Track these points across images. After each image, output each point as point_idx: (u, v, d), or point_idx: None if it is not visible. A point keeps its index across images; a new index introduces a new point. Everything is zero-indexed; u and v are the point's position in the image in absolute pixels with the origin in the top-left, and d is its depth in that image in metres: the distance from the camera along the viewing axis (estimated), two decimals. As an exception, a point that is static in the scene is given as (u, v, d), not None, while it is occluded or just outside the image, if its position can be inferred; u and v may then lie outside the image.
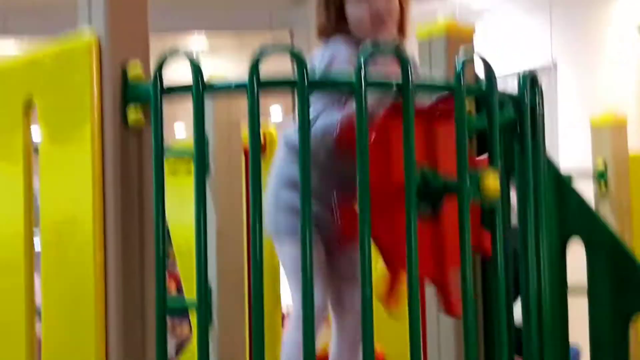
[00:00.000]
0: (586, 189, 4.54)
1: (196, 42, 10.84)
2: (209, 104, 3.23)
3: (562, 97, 9.25)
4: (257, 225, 2.19)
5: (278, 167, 2.68)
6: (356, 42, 2.64)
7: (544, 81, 9.47)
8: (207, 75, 3.27)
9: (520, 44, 9.61)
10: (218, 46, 11.01)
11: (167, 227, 3.68)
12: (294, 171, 2.46)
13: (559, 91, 9.26)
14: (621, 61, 8.91)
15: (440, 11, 9.55)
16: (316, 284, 2.56)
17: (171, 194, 3.56)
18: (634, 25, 8.91)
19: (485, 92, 2.38)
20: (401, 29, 2.73)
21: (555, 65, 9.32)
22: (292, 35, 9.53)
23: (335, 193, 2.55)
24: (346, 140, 2.40)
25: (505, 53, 9.49)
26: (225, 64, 10.35)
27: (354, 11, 2.66)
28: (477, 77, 2.80)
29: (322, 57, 2.63)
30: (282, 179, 2.66)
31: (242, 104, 2.59)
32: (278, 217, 2.65)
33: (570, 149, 8.48)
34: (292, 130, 2.64)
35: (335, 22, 2.67)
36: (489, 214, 2.37)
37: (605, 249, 2.74)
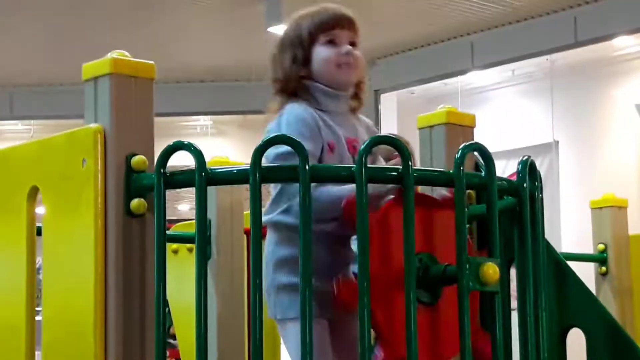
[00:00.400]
0: (588, 270, 4.57)
1: (202, 122, 10.95)
2: (211, 188, 3.27)
3: (563, 176, 9.30)
4: (257, 308, 2.21)
5: (268, 250, 2.70)
6: (316, 104, 2.70)
7: (545, 160, 9.52)
8: (211, 156, 3.32)
9: (522, 123, 9.69)
10: (223, 126, 11.12)
11: (168, 306, 3.72)
12: (285, 251, 2.50)
13: (560, 170, 9.30)
14: (622, 140, 8.97)
15: (444, 93, 9.65)
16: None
17: (172, 272, 3.59)
18: (634, 104, 8.99)
19: (484, 181, 2.40)
20: (358, 95, 2.80)
21: (557, 144, 9.38)
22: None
23: (333, 267, 2.55)
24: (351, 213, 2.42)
25: (508, 132, 9.57)
26: (230, 143, 10.44)
27: (321, 54, 2.72)
28: (477, 165, 2.84)
29: (289, 124, 2.65)
30: (275, 261, 2.67)
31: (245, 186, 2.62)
32: (277, 299, 2.66)
33: (572, 229, 8.50)
34: (268, 210, 2.68)
35: (299, 70, 2.72)
36: (488, 307, 2.37)
37: (605, 338, 2.74)
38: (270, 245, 2.71)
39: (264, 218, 2.71)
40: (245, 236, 3.33)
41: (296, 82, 2.73)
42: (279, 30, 8.67)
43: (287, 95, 2.75)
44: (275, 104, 2.79)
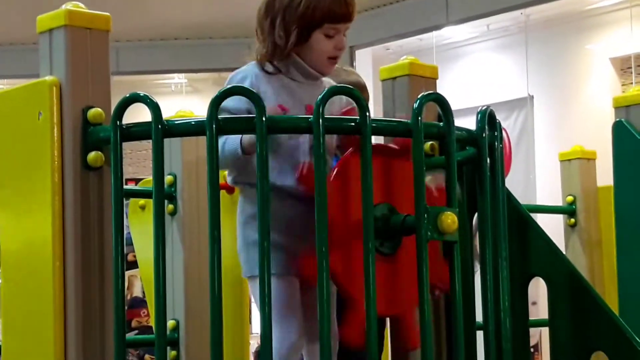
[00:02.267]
0: (558, 222, 4.59)
1: (176, 80, 10.90)
2: (176, 142, 3.26)
3: (538, 130, 9.31)
4: (216, 261, 2.22)
5: (239, 209, 2.70)
6: (285, 71, 2.69)
7: (521, 114, 9.51)
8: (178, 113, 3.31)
9: (497, 78, 9.68)
10: (198, 84, 11.07)
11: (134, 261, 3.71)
12: (252, 208, 2.50)
13: (535, 124, 9.32)
14: (597, 94, 8.99)
15: (420, 48, 9.62)
16: (291, 320, 2.58)
17: (139, 228, 3.60)
18: (608, 58, 8.99)
19: (443, 130, 2.40)
20: None
21: (532, 98, 9.39)
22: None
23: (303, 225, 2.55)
24: (307, 181, 2.43)
25: (483, 87, 9.56)
26: (205, 101, 10.39)
27: (319, 45, 2.69)
28: (439, 116, 2.83)
29: (229, 81, 2.67)
30: (245, 218, 2.67)
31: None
32: (249, 257, 2.66)
33: (547, 182, 8.53)
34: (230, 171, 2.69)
35: (292, 47, 2.67)
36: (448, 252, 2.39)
37: (566, 286, 2.76)
38: (240, 205, 2.72)
39: (229, 178, 2.71)
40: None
41: (281, 56, 2.70)
42: (252, -14, 8.64)
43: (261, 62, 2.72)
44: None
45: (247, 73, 2.69)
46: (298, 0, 2.67)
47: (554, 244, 2.82)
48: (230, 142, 2.54)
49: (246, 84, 2.61)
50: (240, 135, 2.51)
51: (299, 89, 2.69)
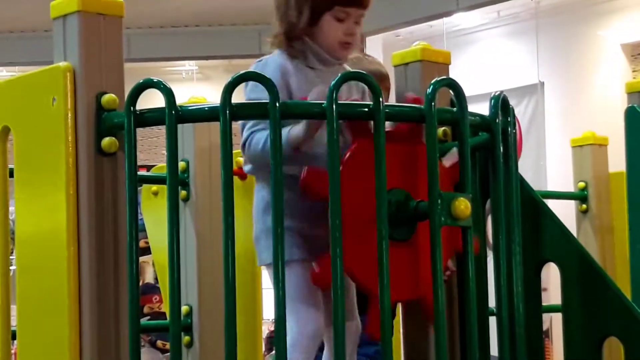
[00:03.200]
0: (570, 208, 4.59)
1: (187, 68, 10.90)
2: (188, 128, 3.26)
3: (549, 117, 9.30)
4: (230, 247, 2.22)
5: (257, 197, 2.70)
6: (303, 59, 2.68)
7: (531, 101, 9.52)
8: (190, 99, 3.31)
9: (508, 65, 9.67)
10: (208, 71, 11.07)
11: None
12: (268, 195, 2.49)
13: (546, 111, 9.30)
14: (607, 80, 8.96)
15: (430, 35, 9.60)
16: (310, 309, 2.58)
17: (152, 214, 3.61)
18: (619, 44, 8.97)
19: (456, 116, 2.40)
20: None
21: (542, 84, 9.37)
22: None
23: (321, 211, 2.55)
24: (312, 189, 2.44)
25: (494, 73, 9.55)
26: (216, 88, 10.41)
27: (330, 28, 2.68)
28: (452, 101, 2.83)
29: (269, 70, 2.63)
30: (264, 205, 2.66)
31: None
32: (267, 243, 2.64)
33: (558, 168, 8.52)
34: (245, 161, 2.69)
35: (305, 27, 2.67)
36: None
37: (579, 272, 2.76)
38: (258, 192, 2.71)
39: (246, 167, 2.71)
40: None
41: (295, 39, 2.70)
42: (262, -27, 8.63)
43: (278, 46, 2.73)
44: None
45: (273, 67, 2.66)
46: None
47: (567, 229, 2.83)
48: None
49: (277, 75, 2.60)
50: (287, 129, 2.48)
51: (317, 79, 2.67)
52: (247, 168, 2.72)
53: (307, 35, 2.69)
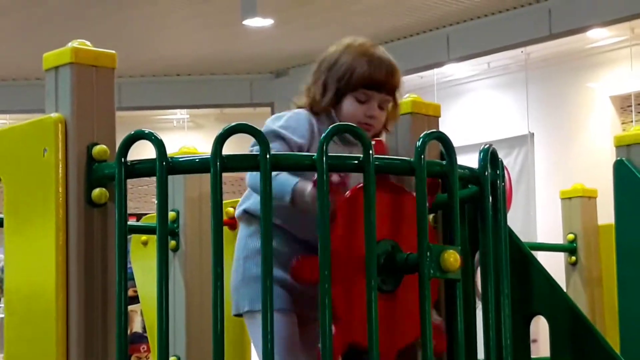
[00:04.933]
0: (559, 260, 4.60)
1: (178, 116, 10.94)
2: (179, 178, 3.28)
3: (539, 168, 9.33)
4: (218, 298, 2.22)
5: (239, 245, 2.71)
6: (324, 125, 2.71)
7: (521, 152, 9.55)
8: (181, 149, 3.32)
9: (498, 115, 9.72)
10: (200, 120, 11.11)
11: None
12: (259, 242, 2.48)
13: (536, 162, 9.34)
14: (597, 132, 9.02)
15: (421, 85, 9.66)
16: (296, 357, 2.58)
17: (141, 264, 3.61)
18: (608, 96, 9.03)
19: (445, 169, 2.41)
20: (385, 126, 2.85)
21: (532, 135, 9.42)
22: (272, 109, 9.63)
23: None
24: (302, 277, 2.45)
25: (484, 124, 9.60)
26: (207, 137, 10.44)
27: (350, 108, 2.76)
28: (442, 154, 2.85)
29: (287, 117, 2.72)
30: (248, 252, 2.68)
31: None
32: (247, 291, 2.67)
33: (547, 220, 8.55)
34: (243, 202, 2.71)
35: (327, 104, 2.76)
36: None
37: (567, 325, 2.76)
38: (242, 240, 2.73)
39: (238, 210, 2.73)
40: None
41: (319, 110, 2.77)
42: (254, 22, 8.71)
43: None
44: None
45: (304, 115, 2.74)
46: (341, 62, 2.77)
47: (555, 282, 2.83)
48: (279, 184, 2.55)
49: (307, 124, 2.68)
50: (294, 181, 2.54)
51: (336, 148, 2.70)
52: (239, 210, 2.72)
53: (332, 109, 2.77)
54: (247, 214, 2.73)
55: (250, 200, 2.72)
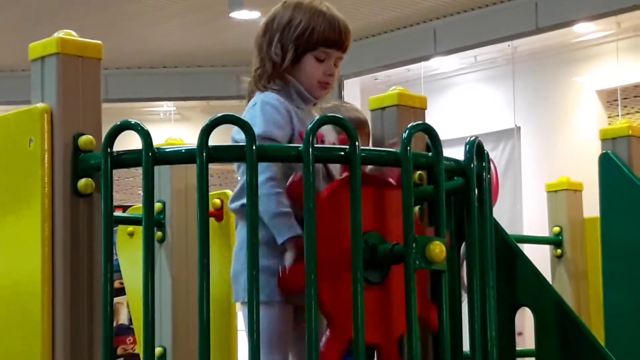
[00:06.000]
0: (545, 253, 4.61)
1: (165, 108, 10.91)
2: (165, 169, 3.27)
3: (525, 161, 9.36)
4: (205, 289, 2.22)
5: (240, 235, 2.71)
6: (287, 97, 2.72)
7: (508, 145, 9.57)
8: (167, 141, 3.31)
9: (485, 109, 9.74)
10: (186, 112, 11.09)
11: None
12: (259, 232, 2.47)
13: (522, 156, 9.36)
14: (583, 126, 9.04)
15: (407, 79, 9.67)
16: (282, 348, 2.58)
17: (128, 256, 3.60)
18: (595, 90, 9.06)
19: (431, 160, 2.41)
20: None
21: (518, 129, 9.44)
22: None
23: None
24: (291, 286, 2.45)
25: (470, 118, 9.62)
26: (193, 129, 10.42)
27: (310, 67, 2.74)
28: (428, 146, 2.85)
29: (262, 111, 2.69)
30: (245, 243, 2.66)
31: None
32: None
33: (534, 213, 8.56)
34: (237, 196, 2.69)
35: (288, 67, 2.73)
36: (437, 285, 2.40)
37: (553, 317, 2.77)
38: (241, 231, 2.72)
39: (233, 205, 2.72)
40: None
41: (278, 78, 2.75)
42: (240, 15, 8.70)
43: (262, 84, 2.76)
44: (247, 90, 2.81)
45: (276, 103, 2.71)
46: (297, 20, 2.74)
47: (541, 274, 2.84)
48: (284, 223, 2.56)
49: (279, 117, 2.64)
50: (293, 231, 2.54)
51: (303, 115, 2.73)
52: (236, 204, 2.71)
53: (289, 74, 2.74)
54: (244, 207, 2.70)
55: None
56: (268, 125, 2.64)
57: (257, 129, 2.59)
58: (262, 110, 2.69)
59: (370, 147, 2.94)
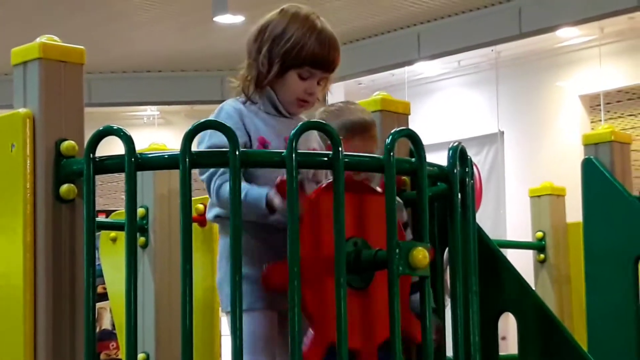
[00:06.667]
0: (527, 258, 4.63)
1: (149, 113, 10.90)
2: (148, 175, 3.27)
3: (509, 166, 9.38)
4: (187, 294, 2.22)
5: (221, 243, 2.68)
6: (256, 104, 2.69)
7: (491, 150, 9.59)
8: (150, 146, 3.31)
9: (468, 114, 9.76)
10: (170, 116, 11.08)
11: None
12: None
13: (506, 160, 9.39)
14: (566, 130, 9.07)
15: (391, 83, 9.69)
16: (267, 355, 2.57)
17: (111, 261, 3.60)
18: (577, 95, 9.09)
19: (414, 166, 2.42)
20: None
21: (502, 134, 9.47)
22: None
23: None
24: (273, 282, 2.44)
25: (454, 122, 9.64)
26: (177, 133, 10.42)
27: (291, 84, 2.69)
28: (411, 151, 2.85)
29: (215, 116, 2.65)
30: (227, 252, 2.64)
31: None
32: (229, 290, 2.62)
33: (517, 218, 8.58)
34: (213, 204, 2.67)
35: (272, 79, 2.68)
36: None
37: (536, 322, 2.77)
38: (221, 240, 2.69)
39: (210, 214, 2.69)
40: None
41: (260, 87, 2.71)
42: (224, 19, 8.69)
43: (248, 91, 2.73)
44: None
45: (230, 110, 2.68)
46: (289, 34, 2.69)
47: (523, 279, 2.84)
48: (253, 193, 2.50)
49: (230, 123, 2.61)
50: (264, 190, 2.48)
51: (276, 123, 2.69)
52: (210, 215, 2.70)
53: (270, 85, 2.71)
54: (219, 218, 2.69)
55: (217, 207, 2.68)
56: (215, 136, 2.54)
57: (206, 141, 2.57)
58: (216, 115, 2.67)
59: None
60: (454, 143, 2.56)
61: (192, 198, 2.29)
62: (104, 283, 3.66)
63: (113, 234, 3.56)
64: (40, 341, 2.29)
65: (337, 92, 9.66)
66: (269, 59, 2.69)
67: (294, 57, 2.68)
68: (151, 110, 11.00)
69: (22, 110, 2.33)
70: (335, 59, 2.72)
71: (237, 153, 2.23)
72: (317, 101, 2.78)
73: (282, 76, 2.69)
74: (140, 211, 3.27)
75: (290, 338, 2.22)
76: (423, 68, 9.86)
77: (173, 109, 10.88)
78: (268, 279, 2.45)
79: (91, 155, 2.26)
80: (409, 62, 9.49)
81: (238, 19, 8.74)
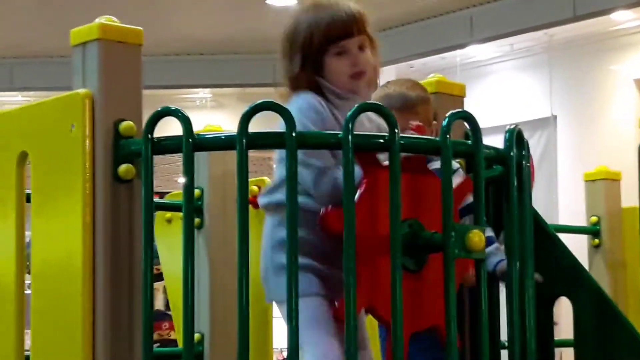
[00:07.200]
0: (582, 243, 4.59)
1: (201, 95, 10.93)
2: (203, 156, 3.28)
3: (561, 150, 9.30)
4: (244, 274, 2.23)
5: (266, 233, 2.66)
6: (324, 97, 2.64)
7: (544, 134, 9.53)
8: (206, 127, 3.33)
9: (521, 98, 9.68)
10: (222, 99, 11.11)
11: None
12: (282, 233, 2.39)
13: (558, 144, 9.31)
14: (620, 115, 8.97)
15: (443, 66, 9.63)
16: (331, 339, 2.55)
17: (165, 241, 3.62)
18: (632, 79, 8.98)
19: (471, 148, 2.40)
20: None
21: (555, 118, 9.38)
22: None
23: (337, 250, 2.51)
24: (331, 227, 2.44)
25: (506, 106, 9.57)
26: (229, 116, 10.45)
27: (334, 67, 2.63)
28: (467, 134, 2.84)
29: (300, 109, 2.58)
30: (273, 242, 2.63)
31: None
32: (279, 280, 2.60)
33: (570, 202, 8.52)
34: (271, 190, 2.66)
35: (311, 73, 2.64)
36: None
37: (591, 307, 2.76)
38: (268, 228, 2.67)
39: (266, 199, 2.68)
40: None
41: (308, 83, 2.65)
42: (277, 2, 8.69)
43: (298, 90, 2.68)
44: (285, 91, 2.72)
45: (304, 97, 2.62)
46: (300, 29, 2.66)
47: (580, 264, 2.83)
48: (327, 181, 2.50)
49: (320, 108, 2.59)
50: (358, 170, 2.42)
51: (340, 115, 2.63)
52: (265, 200, 2.69)
53: (317, 77, 2.65)
54: (276, 205, 2.66)
55: (282, 191, 2.65)
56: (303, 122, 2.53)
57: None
58: (299, 107, 2.58)
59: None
60: (511, 126, 2.54)
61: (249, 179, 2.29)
62: (157, 264, 3.67)
63: (168, 215, 3.58)
64: (99, 320, 2.31)
65: (388, 75, 9.73)
66: (290, 58, 2.67)
67: (315, 46, 2.63)
68: (204, 93, 11.04)
69: (81, 90, 2.35)
70: (356, 20, 2.63)
71: (293, 135, 2.23)
72: (375, 64, 2.70)
73: (322, 67, 2.64)
74: (195, 192, 3.28)
75: (346, 323, 2.22)
76: (475, 51, 9.79)
77: (225, 91, 10.91)
78: (325, 222, 2.43)
79: (149, 135, 2.27)
80: (462, 45, 9.44)
81: (291, 1, 8.74)
